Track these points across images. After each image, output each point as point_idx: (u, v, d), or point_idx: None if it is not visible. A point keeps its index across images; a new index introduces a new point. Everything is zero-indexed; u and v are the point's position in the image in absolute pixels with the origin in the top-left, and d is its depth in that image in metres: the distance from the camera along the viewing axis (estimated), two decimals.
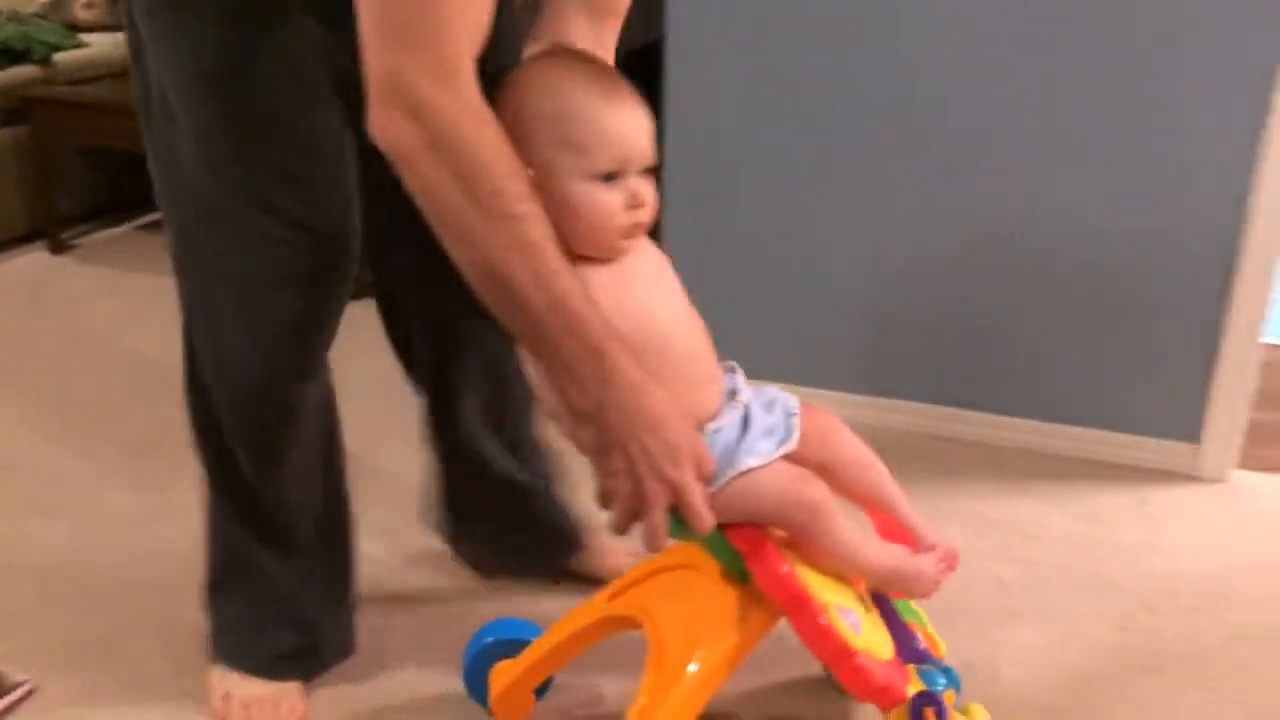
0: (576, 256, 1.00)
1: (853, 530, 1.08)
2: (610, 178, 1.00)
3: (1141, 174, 1.84)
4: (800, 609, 1.01)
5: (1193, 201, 1.82)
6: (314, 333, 1.24)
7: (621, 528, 1.03)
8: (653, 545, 1.01)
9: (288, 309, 1.19)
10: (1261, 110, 1.74)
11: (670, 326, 1.06)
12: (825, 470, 1.10)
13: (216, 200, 1.13)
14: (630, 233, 1.02)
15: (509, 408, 1.45)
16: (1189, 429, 1.93)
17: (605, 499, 1.03)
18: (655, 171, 1.04)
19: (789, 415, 1.09)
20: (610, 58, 1.16)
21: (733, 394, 1.09)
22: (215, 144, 1.11)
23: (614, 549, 1.54)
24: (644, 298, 1.04)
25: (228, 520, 1.32)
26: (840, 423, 1.14)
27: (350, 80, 0.97)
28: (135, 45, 1.14)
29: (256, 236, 1.14)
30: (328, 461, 1.35)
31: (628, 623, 1.18)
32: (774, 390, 1.12)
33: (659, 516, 0.99)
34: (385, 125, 0.92)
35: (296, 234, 1.14)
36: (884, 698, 1.05)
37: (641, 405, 0.97)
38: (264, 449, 1.27)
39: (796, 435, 1.07)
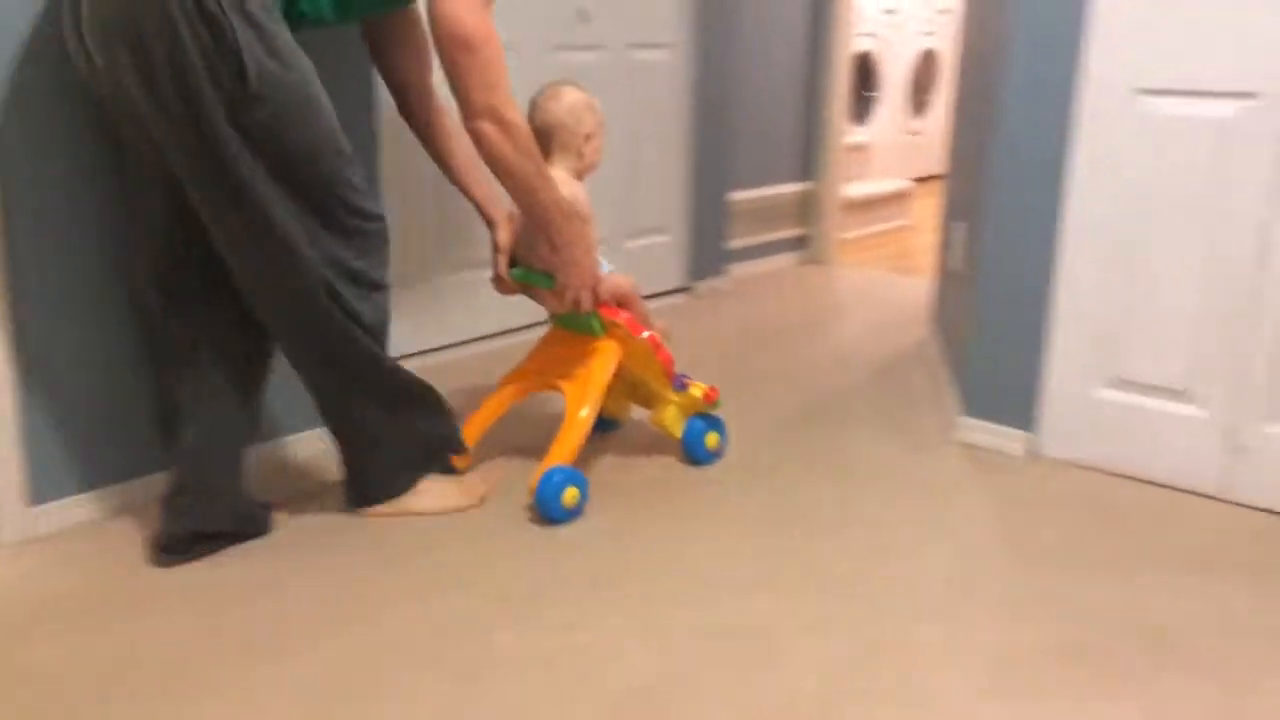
0: (578, 175, 2.22)
1: (643, 302, 2.28)
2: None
3: None
4: (638, 328, 2.20)
5: None
6: None
7: (569, 308, 2.13)
8: (587, 309, 2.13)
9: None
10: None
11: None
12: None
13: None
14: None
15: None
16: None
17: (560, 298, 2.12)
18: None
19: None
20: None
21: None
22: None
23: None
24: (588, 200, 2.21)
25: None
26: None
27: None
28: None
29: None
30: None
31: (543, 387, 2.28)
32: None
33: (590, 297, 2.12)
34: (484, 132, 1.85)
35: None
36: (671, 367, 2.28)
37: (586, 244, 2.08)
38: None
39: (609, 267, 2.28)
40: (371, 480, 2.07)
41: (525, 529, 2.09)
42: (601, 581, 1.90)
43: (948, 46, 6.13)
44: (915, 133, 6.35)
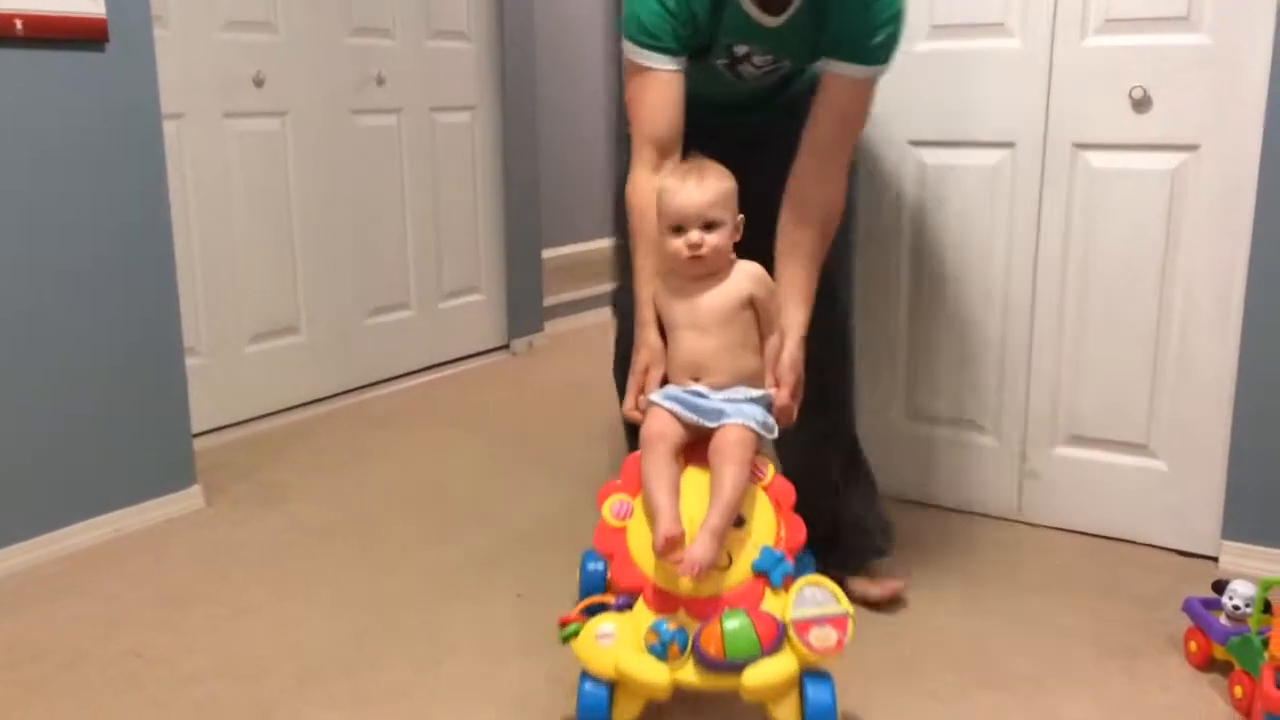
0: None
1: (652, 477, 1.55)
2: (678, 230, 1.59)
3: None
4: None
5: None
6: None
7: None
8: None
9: None
10: None
11: (682, 335, 1.63)
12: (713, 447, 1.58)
13: None
14: (690, 266, 1.60)
15: None
16: None
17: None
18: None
19: (710, 414, 1.58)
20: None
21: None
22: None
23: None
24: (675, 308, 1.64)
25: None
26: (731, 440, 1.55)
27: None
28: None
29: None
30: None
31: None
32: (739, 407, 1.58)
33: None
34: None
35: None
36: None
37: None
38: None
39: (691, 416, 1.58)
40: None
41: None
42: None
43: None
44: None
